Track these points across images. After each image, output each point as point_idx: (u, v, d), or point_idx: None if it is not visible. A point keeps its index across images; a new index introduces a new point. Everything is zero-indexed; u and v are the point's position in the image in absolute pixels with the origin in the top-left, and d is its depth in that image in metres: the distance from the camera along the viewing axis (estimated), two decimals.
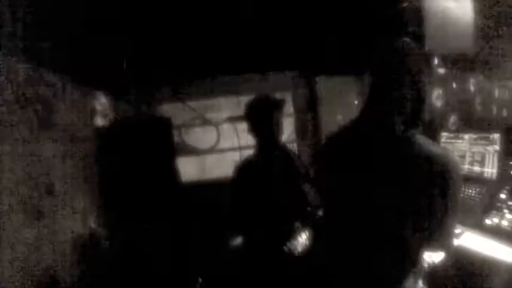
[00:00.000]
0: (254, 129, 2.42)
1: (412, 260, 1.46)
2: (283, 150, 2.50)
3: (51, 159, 2.11)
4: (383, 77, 1.44)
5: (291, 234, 2.32)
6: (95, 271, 2.48)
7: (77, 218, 2.38)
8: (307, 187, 2.38)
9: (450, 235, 1.47)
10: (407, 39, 1.47)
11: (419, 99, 1.40)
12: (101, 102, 2.88)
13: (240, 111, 2.56)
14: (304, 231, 2.36)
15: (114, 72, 2.81)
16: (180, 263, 2.86)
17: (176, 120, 3.50)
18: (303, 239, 2.34)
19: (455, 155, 1.58)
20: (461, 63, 2.84)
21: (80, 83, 2.49)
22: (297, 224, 2.36)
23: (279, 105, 2.44)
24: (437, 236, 1.42)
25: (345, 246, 1.52)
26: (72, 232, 2.31)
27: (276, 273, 2.27)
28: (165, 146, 3.22)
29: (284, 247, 2.28)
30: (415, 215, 1.36)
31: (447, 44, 2.67)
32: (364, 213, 1.43)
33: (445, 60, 2.90)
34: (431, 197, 1.33)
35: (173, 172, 3.25)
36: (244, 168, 2.51)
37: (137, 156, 2.95)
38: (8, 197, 1.68)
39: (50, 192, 2.07)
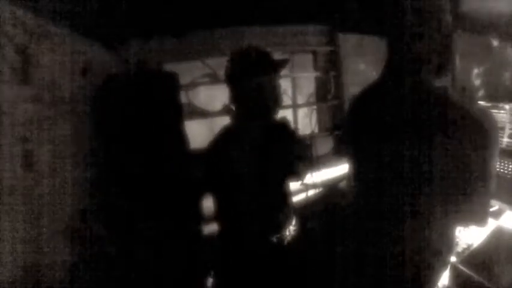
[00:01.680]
0: (235, 96, 1.92)
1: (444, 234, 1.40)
2: (272, 127, 2.02)
3: (28, 124, 1.77)
4: (402, 26, 1.34)
5: (279, 223, 2.03)
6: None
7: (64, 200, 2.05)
8: (303, 170, 2.11)
9: (485, 205, 1.35)
10: None
11: (444, 47, 1.33)
12: (97, 54, 2.52)
13: None
14: (292, 220, 2.11)
15: (113, 20, 2.44)
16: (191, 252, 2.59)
17: (183, 79, 3.13)
18: (291, 229, 2.09)
19: (493, 115, 1.33)
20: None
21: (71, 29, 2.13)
22: (285, 212, 2.07)
23: (267, 63, 1.90)
24: (470, 205, 1.32)
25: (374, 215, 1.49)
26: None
27: (267, 262, 1.99)
28: (170, 106, 2.86)
29: (273, 236, 2.00)
30: (448, 178, 1.28)
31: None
32: (396, 177, 1.38)
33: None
34: (465, 158, 1.25)
35: (181, 137, 2.89)
36: (223, 143, 2.03)
37: (139, 119, 2.59)
38: None
39: (28, 165, 1.74)
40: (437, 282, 1.48)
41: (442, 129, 1.26)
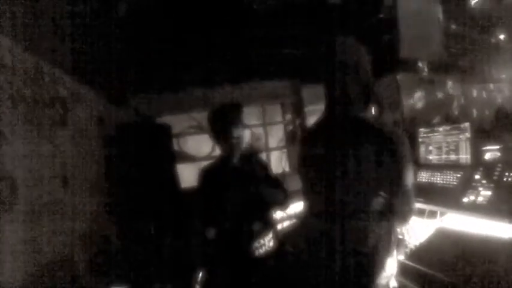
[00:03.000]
0: (213, 138, 2.53)
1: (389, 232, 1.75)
2: (245, 158, 2.57)
3: (66, 155, 2.30)
4: (329, 71, 1.78)
5: (255, 235, 2.45)
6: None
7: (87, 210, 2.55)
8: (267, 189, 2.52)
9: (406, 204, 1.75)
10: (342, 37, 1.79)
11: (363, 86, 1.75)
12: (105, 107, 3.07)
13: None
14: (267, 232, 2.52)
15: (119, 80, 3.04)
16: (179, 256, 3.04)
17: (174, 129, 3.70)
18: (266, 240, 2.50)
19: (401, 134, 1.78)
20: (440, 67, 3.16)
21: (90, 87, 2.70)
22: (259, 225, 2.48)
23: (236, 115, 2.50)
24: (397, 205, 1.72)
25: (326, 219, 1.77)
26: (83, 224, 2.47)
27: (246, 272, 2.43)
28: (165, 151, 3.42)
29: (250, 247, 2.43)
30: (377, 185, 1.68)
31: (419, 49, 3.00)
32: (340, 187, 1.71)
33: (427, 65, 3.22)
34: (384, 164, 1.64)
35: (173, 177, 3.44)
36: (208, 172, 2.59)
37: (139, 161, 3.12)
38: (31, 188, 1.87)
39: (65, 183, 2.25)
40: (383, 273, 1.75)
41: (365, 144, 1.66)
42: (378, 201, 1.71)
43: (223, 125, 2.46)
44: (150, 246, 3.00)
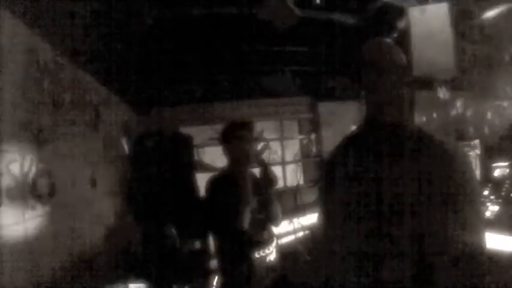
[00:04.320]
0: (224, 151, 2.65)
1: None
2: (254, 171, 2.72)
3: (96, 158, 2.49)
4: (367, 77, 1.46)
5: (262, 243, 2.54)
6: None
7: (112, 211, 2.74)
8: (270, 203, 2.62)
9: (478, 244, 1.27)
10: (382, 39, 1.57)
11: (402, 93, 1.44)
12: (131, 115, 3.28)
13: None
14: (272, 241, 2.62)
15: (144, 91, 3.25)
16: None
17: (195, 140, 3.88)
18: (272, 248, 2.59)
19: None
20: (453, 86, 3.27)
21: (119, 96, 2.92)
22: (267, 235, 2.59)
23: (245, 130, 2.62)
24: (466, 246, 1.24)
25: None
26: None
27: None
28: (186, 160, 3.59)
29: (256, 254, 2.50)
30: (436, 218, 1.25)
31: (432, 68, 3.11)
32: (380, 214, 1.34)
33: (444, 84, 3.32)
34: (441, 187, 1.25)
35: (192, 185, 3.59)
36: (217, 183, 2.67)
37: (161, 169, 3.30)
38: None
39: (93, 184, 2.44)
40: None
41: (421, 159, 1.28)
42: (439, 242, 1.25)
43: (232, 141, 2.59)
44: (169, 249, 3.14)
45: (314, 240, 4.02)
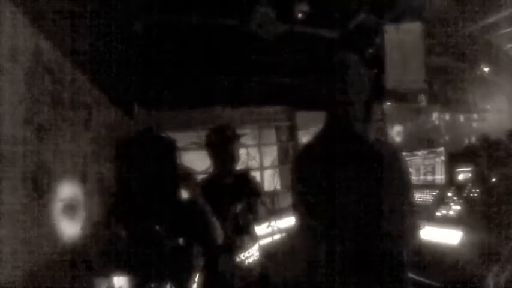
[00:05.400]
0: (210, 155, 2.84)
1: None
2: (238, 176, 2.84)
3: (88, 157, 2.58)
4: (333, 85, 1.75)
5: (244, 247, 2.68)
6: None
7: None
8: (257, 207, 2.76)
9: (413, 226, 1.67)
10: (348, 54, 1.80)
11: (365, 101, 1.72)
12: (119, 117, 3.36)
13: None
14: (255, 243, 2.75)
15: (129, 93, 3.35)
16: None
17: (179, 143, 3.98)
18: (254, 252, 2.73)
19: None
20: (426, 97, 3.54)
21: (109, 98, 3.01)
22: (248, 238, 2.71)
23: (233, 136, 2.78)
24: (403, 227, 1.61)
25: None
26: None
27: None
28: (169, 163, 3.67)
29: (238, 258, 2.65)
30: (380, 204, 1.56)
31: (403, 81, 3.37)
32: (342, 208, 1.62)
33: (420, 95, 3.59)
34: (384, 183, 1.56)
35: (175, 187, 3.67)
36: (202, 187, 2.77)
37: (146, 169, 3.37)
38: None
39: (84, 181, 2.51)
40: None
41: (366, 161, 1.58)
42: (383, 223, 1.57)
43: (218, 144, 2.76)
44: (152, 248, 3.21)
45: (290, 242, 4.19)
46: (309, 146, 1.95)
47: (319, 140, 1.87)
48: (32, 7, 1.92)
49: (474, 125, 3.60)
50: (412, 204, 1.66)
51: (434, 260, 2.48)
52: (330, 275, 1.68)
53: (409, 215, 1.62)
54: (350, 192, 1.62)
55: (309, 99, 4.41)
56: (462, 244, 2.46)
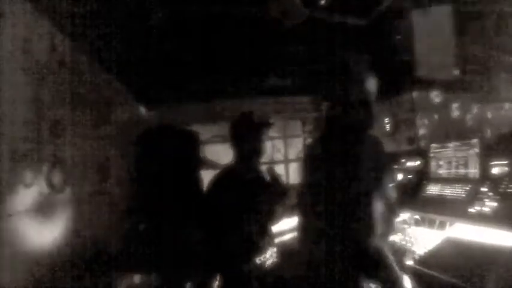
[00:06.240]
0: (234, 145, 2.67)
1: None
2: (262, 172, 2.73)
3: (108, 151, 2.57)
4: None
5: (261, 248, 2.57)
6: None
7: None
8: (277, 207, 2.67)
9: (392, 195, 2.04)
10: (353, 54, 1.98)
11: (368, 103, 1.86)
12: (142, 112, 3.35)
13: None
14: (271, 247, 2.64)
15: (152, 86, 3.33)
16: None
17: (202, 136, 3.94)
18: (271, 254, 2.62)
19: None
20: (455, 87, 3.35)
21: (129, 93, 3.00)
22: (267, 240, 2.61)
23: (259, 124, 2.65)
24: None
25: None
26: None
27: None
28: (192, 156, 3.64)
29: (257, 259, 2.55)
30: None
31: (434, 69, 3.18)
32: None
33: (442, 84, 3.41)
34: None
35: (197, 181, 3.64)
36: (222, 179, 2.70)
37: (168, 163, 3.34)
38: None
39: (105, 177, 2.51)
40: None
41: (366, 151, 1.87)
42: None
43: (243, 133, 2.62)
44: (171, 245, 3.17)
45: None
46: (311, 146, 2.26)
47: (320, 139, 2.04)
48: (47, 3, 1.92)
49: (505, 115, 3.36)
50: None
51: (481, 262, 2.22)
52: (330, 274, 1.79)
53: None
54: (348, 190, 1.79)
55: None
56: None
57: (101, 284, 2.32)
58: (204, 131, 4.12)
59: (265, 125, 2.69)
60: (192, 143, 3.61)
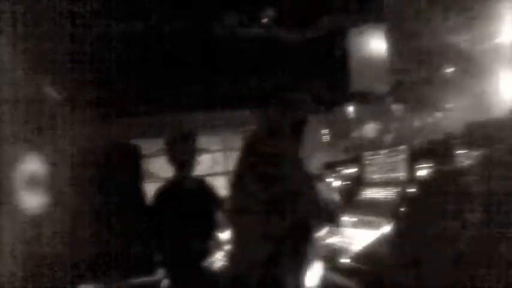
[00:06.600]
0: (169, 161, 2.96)
1: None
2: (196, 180, 3.00)
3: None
4: None
5: (208, 252, 2.77)
6: None
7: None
8: (216, 214, 2.87)
9: None
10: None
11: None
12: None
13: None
14: (218, 249, 2.79)
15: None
16: None
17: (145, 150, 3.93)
18: (218, 256, 2.76)
19: None
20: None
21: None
22: (211, 244, 2.80)
23: (188, 141, 2.95)
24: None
25: None
26: None
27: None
28: (134, 169, 3.63)
29: (203, 263, 2.72)
30: None
31: (369, 83, 3.49)
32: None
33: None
34: None
35: (140, 193, 3.61)
36: (162, 193, 2.97)
37: (112, 175, 3.32)
38: None
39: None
40: None
41: None
42: None
43: (175, 151, 2.91)
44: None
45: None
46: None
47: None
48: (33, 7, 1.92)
49: (439, 123, 3.74)
50: None
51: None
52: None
53: None
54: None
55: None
56: None
57: None
58: (148, 145, 4.11)
59: (192, 138, 2.96)
60: (134, 157, 3.61)
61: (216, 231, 2.89)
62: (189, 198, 2.84)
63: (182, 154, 2.89)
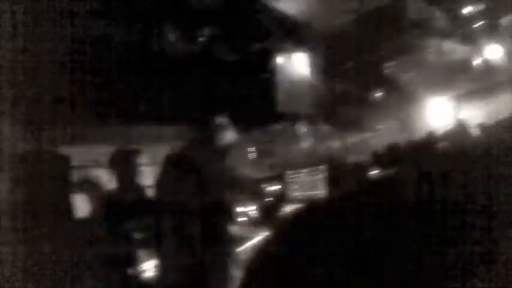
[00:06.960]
0: (112, 175, 3.05)
1: None
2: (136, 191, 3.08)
3: None
4: None
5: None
6: None
7: None
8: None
9: None
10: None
11: None
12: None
13: None
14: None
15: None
16: None
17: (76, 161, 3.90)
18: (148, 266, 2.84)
19: None
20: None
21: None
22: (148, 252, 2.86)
23: (129, 157, 3.08)
24: None
25: None
26: None
27: None
28: (61, 179, 3.59)
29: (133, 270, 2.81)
30: None
31: (293, 104, 3.69)
32: None
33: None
34: None
35: (67, 204, 3.58)
36: (109, 203, 3.03)
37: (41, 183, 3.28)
38: None
39: None
40: None
41: None
42: None
43: (117, 166, 3.02)
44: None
45: None
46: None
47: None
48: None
49: (366, 143, 3.96)
50: None
51: None
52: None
53: None
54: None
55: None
56: None
57: None
58: (81, 155, 4.07)
59: (132, 154, 3.06)
60: (62, 167, 3.58)
61: (154, 241, 2.95)
62: (129, 210, 2.92)
63: (123, 168, 2.99)
